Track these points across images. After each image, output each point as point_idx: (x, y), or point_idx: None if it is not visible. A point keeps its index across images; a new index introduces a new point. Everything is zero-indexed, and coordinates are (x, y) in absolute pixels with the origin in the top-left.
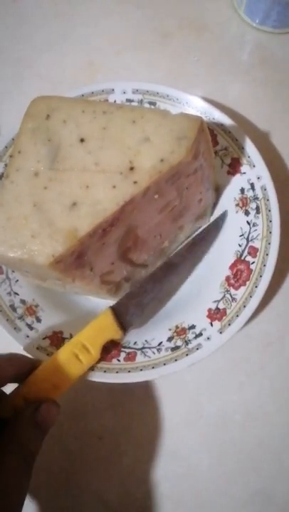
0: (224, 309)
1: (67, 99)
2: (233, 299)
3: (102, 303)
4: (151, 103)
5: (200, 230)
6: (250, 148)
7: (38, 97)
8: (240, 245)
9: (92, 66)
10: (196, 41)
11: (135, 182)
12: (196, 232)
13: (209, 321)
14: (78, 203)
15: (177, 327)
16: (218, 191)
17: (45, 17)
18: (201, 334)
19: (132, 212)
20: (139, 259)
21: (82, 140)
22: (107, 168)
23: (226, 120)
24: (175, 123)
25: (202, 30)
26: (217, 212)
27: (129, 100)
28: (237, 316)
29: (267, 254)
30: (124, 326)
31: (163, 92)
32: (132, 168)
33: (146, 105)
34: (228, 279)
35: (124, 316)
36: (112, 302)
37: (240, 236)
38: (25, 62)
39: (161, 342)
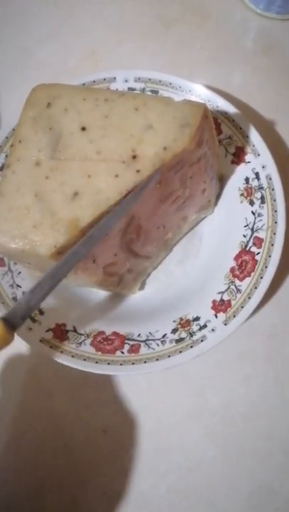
0: (229, 301)
1: (68, 87)
2: (238, 291)
3: (105, 295)
4: (153, 91)
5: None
6: (254, 136)
7: (38, 85)
8: (244, 236)
9: (94, 55)
10: (199, 28)
11: (138, 171)
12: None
13: (214, 312)
14: (80, 193)
15: (181, 319)
16: (222, 181)
17: (46, 6)
18: (205, 326)
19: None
20: (142, 251)
21: (83, 128)
22: (109, 156)
23: (229, 108)
24: (178, 110)
25: (205, 17)
26: (221, 203)
27: (131, 89)
28: (242, 307)
29: (272, 245)
30: (15, 327)
31: (165, 80)
32: (134, 157)
33: (149, 94)
34: (232, 270)
35: (17, 320)
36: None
37: (245, 226)
38: (26, 52)
39: (165, 334)
